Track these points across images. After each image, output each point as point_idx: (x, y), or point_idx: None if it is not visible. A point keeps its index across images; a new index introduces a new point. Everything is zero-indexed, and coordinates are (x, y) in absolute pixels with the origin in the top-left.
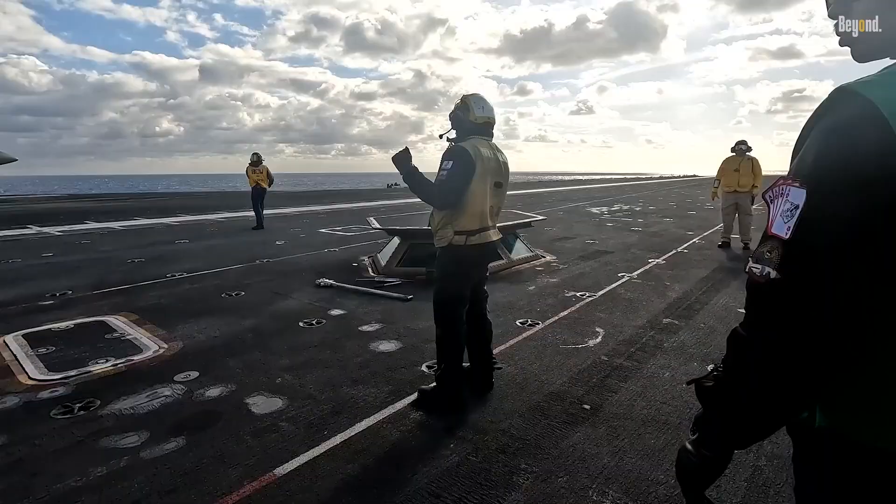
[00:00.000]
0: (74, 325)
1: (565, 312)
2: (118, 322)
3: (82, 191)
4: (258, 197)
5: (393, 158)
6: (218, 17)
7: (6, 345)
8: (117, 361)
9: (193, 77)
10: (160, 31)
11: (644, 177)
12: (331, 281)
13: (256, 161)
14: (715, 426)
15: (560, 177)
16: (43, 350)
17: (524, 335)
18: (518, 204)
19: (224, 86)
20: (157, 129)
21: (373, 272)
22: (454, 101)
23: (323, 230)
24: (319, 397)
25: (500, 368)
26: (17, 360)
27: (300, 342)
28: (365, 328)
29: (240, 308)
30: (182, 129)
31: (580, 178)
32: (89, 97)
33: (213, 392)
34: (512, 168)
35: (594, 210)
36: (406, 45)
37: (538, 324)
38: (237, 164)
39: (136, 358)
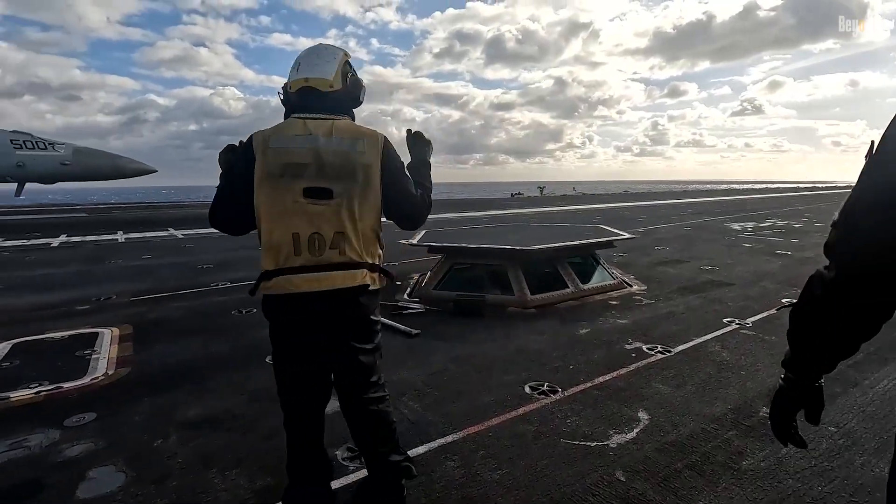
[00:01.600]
0: (70, 335)
1: (607, 377)
2: (107, 336)
3: None
4: None
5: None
6: (374, 41)
7: None
8: (47, 388)
9: None
10: None
11: (825, 185)
12: None
13: None
14: (794, 348)
15: (713, 185)
16: (6, 364)
17: (521, 410)
18: (632, 215)
19: (376, 103)
20: None
21: (408, 294)
22: (595, 106)
23: (402, 241)
24: (171, 482)
25: (414, 477)
26: None
27: (243, 384)
28: None
29: (230, 330)
30: None
31: (737, 187)
32: (271, 118)
33: (75, 450)
34: (655, 176)
35: (734, 226)
36: (546, 53)
37: (556, 392)
38: None
39: (69, 385)
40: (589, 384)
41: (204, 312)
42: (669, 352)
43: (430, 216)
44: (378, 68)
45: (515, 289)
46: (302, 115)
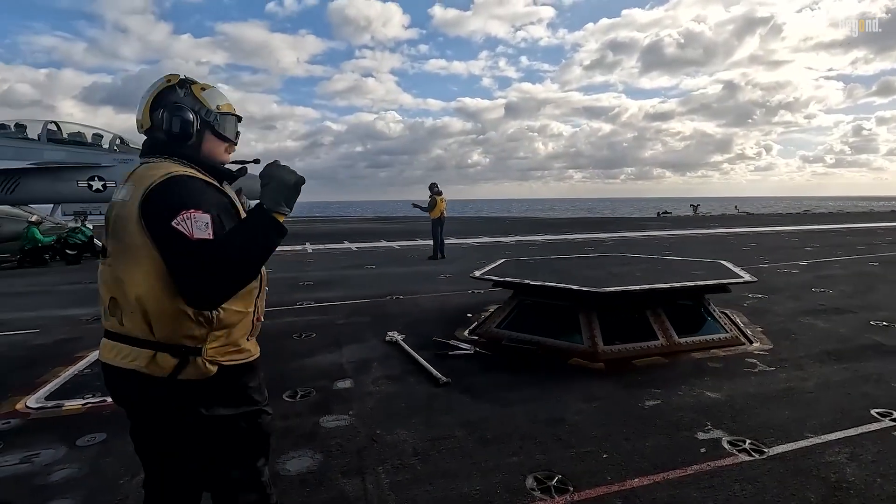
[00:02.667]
0: None
1: (647, 480)
2: None
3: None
4: (441, 225)
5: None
6: (523, 59)
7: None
8: (93, 400)
9: (499, 114)
10: (477, 79)
11: None
12: (398, 337)
13: (440, 191)
14: None
15: None
16: (87, 371)
17: None
18: (799, 243)
19: (524, 119)
20: (469, 160)
21: (469, 331)
22: (775, 111)
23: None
24: None
25: None
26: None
27: None
28: (329, 422)
29: (272, 358)
30: (487, 160)
31: None
32: (425, 139)
33: (57, 476)
34: (856, 191)
35: None
36: (714, 56)
37: (565, 492)
38: (529, 189)
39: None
40: (616, 487)
41: (268, 333)
42: (761, 453)
43: (537, 237)
44: (526, 85)
45: (585, 336)
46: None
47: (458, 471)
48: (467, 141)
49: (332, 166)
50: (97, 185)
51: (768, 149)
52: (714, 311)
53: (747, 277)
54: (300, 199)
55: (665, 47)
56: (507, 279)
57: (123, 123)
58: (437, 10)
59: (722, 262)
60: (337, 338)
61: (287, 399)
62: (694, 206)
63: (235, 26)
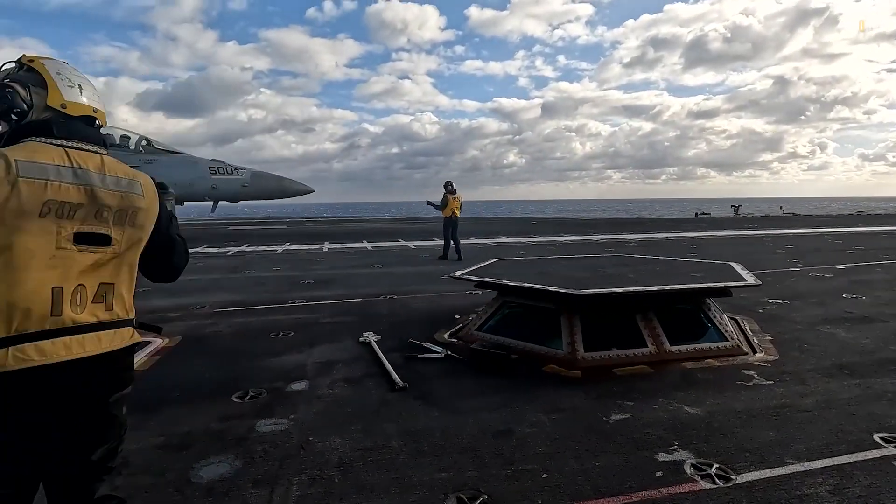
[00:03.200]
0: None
1: None
2: (152, 347)
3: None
4: (454, 225)
5: None
6: (560, 58)
7: None
8: None
9: (536, 114)
10: (514, 79)
11: None
12: (372, 339)
13: (453, 189)
14: None
15: None
16: None
17: None
18: (842, 246)
19: (560, 119)
20: (505, 161)
21: (450, 333)
22: (831, 107)
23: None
24: None
25: None
26: None
27: (173, 424)
28: (265, 426)
29: (242, 355)
30: (523, 160)
31: None
32: (460, 140)
33: None
34: None
35: None
36: (763, 50)
37: None
38: (567, 190)
39: None
40: None
41: (249, 331)
42: (727, 480)
43: (559, 238)
44: (563, 84)
45: (564, 342)
46: (59, 143)
47: (377, 485)
48: (503, 141)
49: (369, 167)
50: None
51: (823, 147)
52: (715, 316)
53: (751, 280)
54: (338, 199)
55: (710, 42)
56: (485, 279)
57: (173, 127)
58: (474, 11)
59: (731, 264)
60: (313, 338)
61: (235, 400)
62: (735, 206)
63: (278, 32)
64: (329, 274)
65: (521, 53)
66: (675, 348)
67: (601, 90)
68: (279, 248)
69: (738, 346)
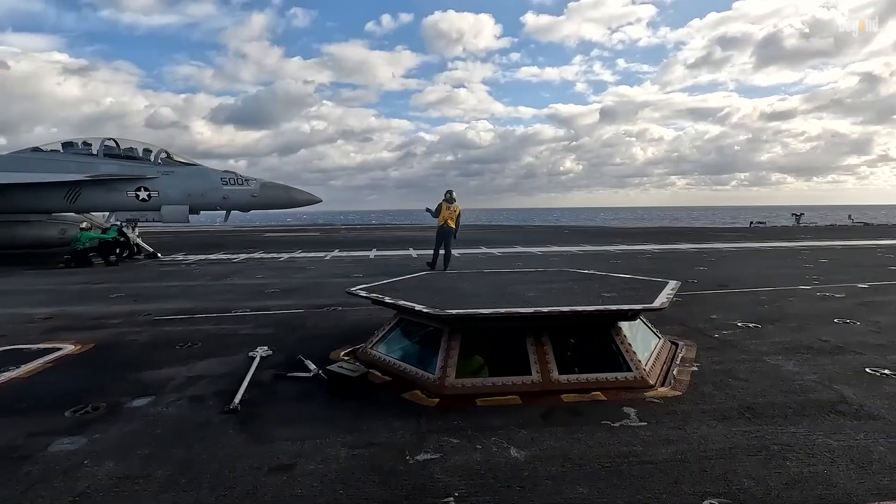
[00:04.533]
0: (37, 348)
1: None
2: (56, 353)
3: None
4: (446, 234)
5: None
6: (620, 61)
7: None
8: None
9: (594, 120)
10: (571, 85)
11: None
12: (261, 353)
13: (451, 199)
14: None
15: None
16: None
17: None
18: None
19: (620, 124)
20: (561, 168)
21: (347, 353)
22: None
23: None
24: None
25: None
26: None
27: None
28: (59, 446)
29: (138, 366)
30: (580, 166)
31: None
32: (515, 147)
33: None
34: None
35: None
36: (847, 45)
37: None
38: (626, 197)
39: None
40: None
41: (161, 341)
42: None
43: (571, 248)
44: (623, 88)
45: (438, 365)
46: None
47: None
48: (559, 148)
49: (425, 175)
50: (143, 194)
51: None
52: (622, 342)
53: (656, 304)
54: (394, 206)
55: (784, 39)
56: (372, 295)
57: (242, 139)
58: (529, 18)
59: (670, 281)
60: (211, 350)
61: (66, 415)
62: (796, 215)
63: (339, 47)
64: (302, 283)
65: (578, 58)
66: (563, 378)
67: (664, 93)
68: (286, 256)
69: (643, 377)
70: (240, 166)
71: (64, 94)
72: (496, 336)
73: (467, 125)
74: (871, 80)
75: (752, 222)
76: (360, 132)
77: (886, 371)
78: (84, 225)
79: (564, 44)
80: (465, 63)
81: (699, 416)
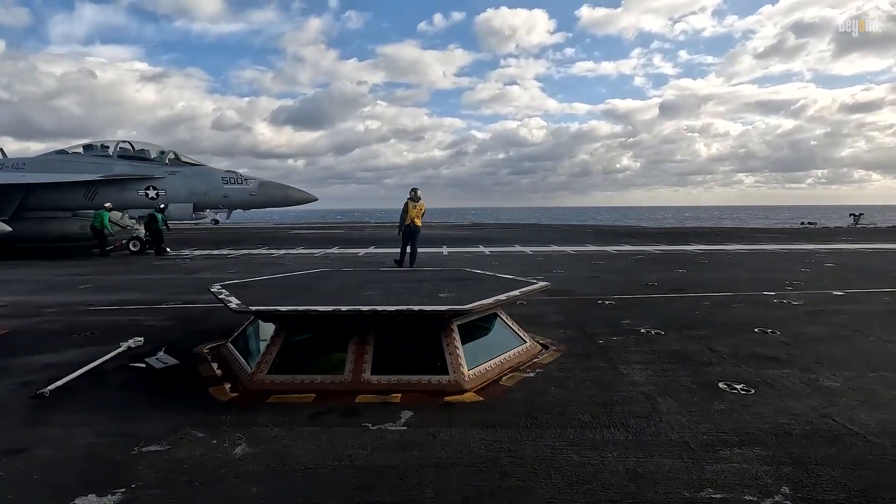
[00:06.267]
0: None
1: None
2: None
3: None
4: (412, 233)
5: None
6: (682, 53)
7: None
8: None
9: (653, 115)
10: (629, 79)
11: None
12: (131, 343)
13: (416, 197)
14: None
15: None
16: None
17: None
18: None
19: (681, 119)
20: (618, 165)
21: (210, 347)
22: None
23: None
24: None
25: None
26: None
27: None
28: None
29: (16, 351)
30: (638, 164)
31: None
32: (569, 144)
33: None
34: None
35: None
36: None
37: None
38: (689, 196)
39: None
40: None
41: (67, 329)
42: None
43: (580, 247)
44: (686, 81)
45: (256, 360)
46: None
47: None
48: (615, 144)
49: (476, 173)
50: (152, 193)
51: None
52: (447, 345)
53: (468, 307)
54: (445, 205)
55: (869, 23)
56: (213, 290)
57: (301, 139)
58: (585, 11)
59: (535, 281)
60: (100, 339)
61: None
62: (855, 215)
63: (392, 47)
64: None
65: (636, 51)
66: (374, 378)
67: (729, 85)
68: (281, 252)
69: (457, 381)
70: (298, 166)
71: (142, 100)
72: (326, 335)
73: (519, 122)
74: None
75: (802, 223)
76: (412, 131)
77: (739, 386)
78: (107, 205)
79: (622, 37)
80: (518, 60)
81: (467, 424)
